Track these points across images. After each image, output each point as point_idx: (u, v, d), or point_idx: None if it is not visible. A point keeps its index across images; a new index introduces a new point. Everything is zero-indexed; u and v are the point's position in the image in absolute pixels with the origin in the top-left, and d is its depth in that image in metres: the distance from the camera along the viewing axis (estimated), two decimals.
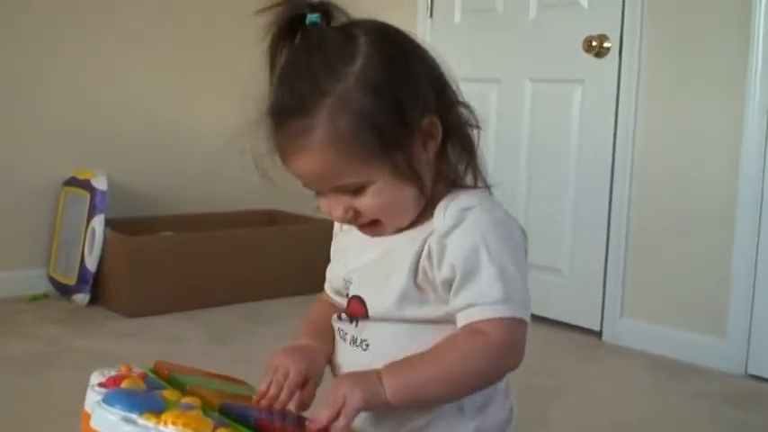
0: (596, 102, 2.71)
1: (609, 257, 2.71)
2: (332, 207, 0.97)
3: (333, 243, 1.12)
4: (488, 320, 0.91)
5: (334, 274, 1.08)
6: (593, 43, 2.64)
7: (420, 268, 0.96)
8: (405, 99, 0.93)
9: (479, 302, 0.92)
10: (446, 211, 0.95)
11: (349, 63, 0.92)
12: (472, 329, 0.92)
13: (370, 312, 0.99)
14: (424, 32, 3.19)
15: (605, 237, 2.71)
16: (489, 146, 3.00)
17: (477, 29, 3.06)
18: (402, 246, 0.98)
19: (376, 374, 0.91)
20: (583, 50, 2.67)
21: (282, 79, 0.94)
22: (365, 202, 0.95)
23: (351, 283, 1.03)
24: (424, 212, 0.98)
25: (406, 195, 0.97)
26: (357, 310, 1.01)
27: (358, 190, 0.94)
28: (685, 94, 2.52)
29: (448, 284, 0.94)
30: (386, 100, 0.92)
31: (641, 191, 2.63)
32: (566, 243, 2.83)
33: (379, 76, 0.92)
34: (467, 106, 0.99)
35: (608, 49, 2.64)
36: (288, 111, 0.92)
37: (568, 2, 2.76)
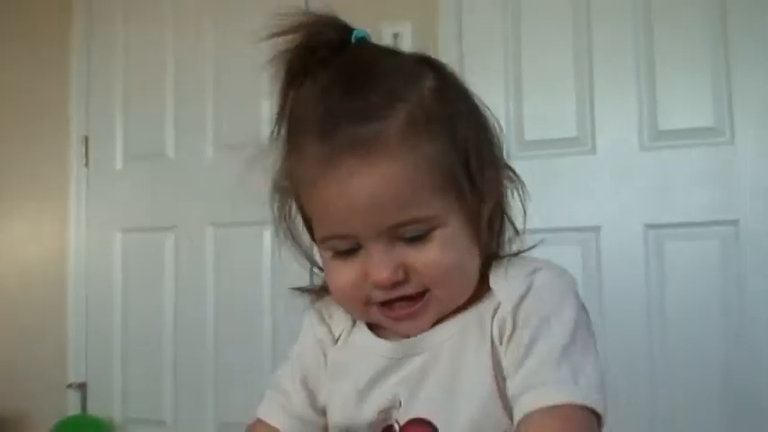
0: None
1: None
2: (377, 263, 0.74)
3: (311, 355, 0.86)
4: (557, 406, 0.69)
5: (348, 403, 0.81)
6: None
7: (495, 361, 0.75)
8: (483, 127, 0.80)
9: (543, 383, 0.71)
10: (510, 278, 0.78)
11: (419, 77, 0.77)
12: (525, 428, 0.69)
13: None
14: (78, 184, 2.86)
15: None
16: (167, 296, 2.71)
17: (143, 175, 2.82)
18: (451, 338, 0.77)
19: None
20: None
21: (338, 87, 0.74)
22: (428, 257, 0.74)
23: (396, 404, 0.78)
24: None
25: (473, 258, 0.78)
26: None
27: (420, 237, 0.74)
28: None
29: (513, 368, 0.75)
30: (468, 123, 0.78)
31: None
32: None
33: (454, 92, 0.79)
34: (512, 170, 0.82)
35: None
36: (352, 115, 0.72)
37: (249, 143, 2.67)
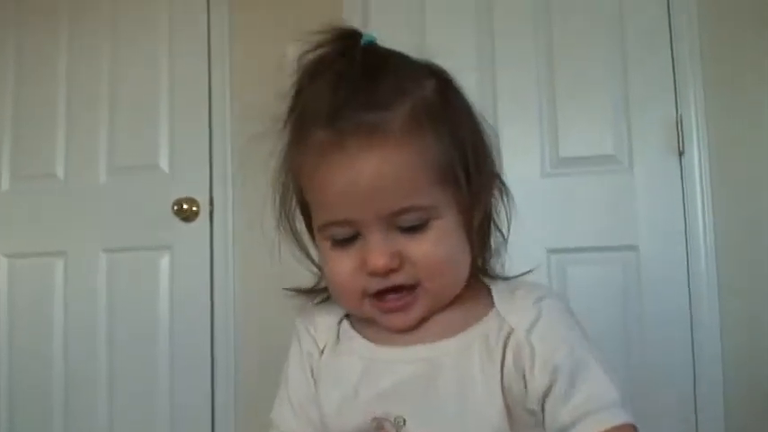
0: (188, 267, 2.52)
1: None
2: (375, 250, 0.75)
3: (298, 370, 0.85)
4: (615, 429, 0.72)
5: (341, 409, 0.79)
6: (184, 206, 2.49)
7: (506, 385, 0.75)
8: (481, 134, 0.82)
9: (601, 407, 0.73)
10: (518, 303, 0.79)
11: (423, 77, 0.80)
12: None
13: None
14: None
15: (210, 412, 2.43)
16: (56, 327, 2.56)
17: (34, 197, 2.66)
18: (451, 355, 0.77)
19: None
20: (169, 215, 2.50)
21: (347, 82, 0.75)
22: (423, 248, 0.76)
23: (402, 420, 0.76)
24: (462, 305, 0.80)
25: (465, 255, 0.80)
26: None
27: (416, 228, 0.76)
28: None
29: (542, 395, 0.75)
30: (468, 128, 0.81)
31: (247, 358, 2.45)
32: (164, 423, 2.46)
33: (455, 97, 0.82)
34: (503, 182, 0.84)
35: (197, 212, 2.51)
36: (359, 104, 0.74)
37: (146, 166, 2.59)
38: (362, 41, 0.81)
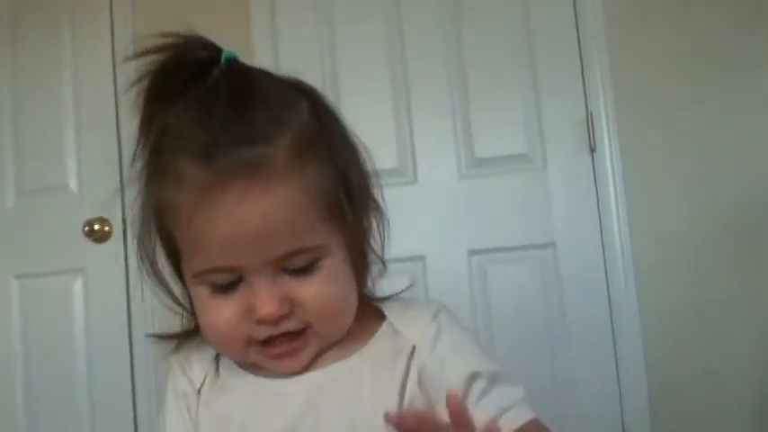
0: (102, 289, 2.44)
1: None
2: (263, 297, 0.70)
3: (174, 412, 0.80)
4: (530, 422, 0.75)
5: None
6: (95, 227, 2.41)
7: (408, 401, 0.74)
8: (355, 152, 0.78)
9: (513, 404, 0.75)
10: (415, 320, 0.77)
11: (296, 100, 0.74)
12: None
13: None
14: None
15: None
16: None
17: None
18: (348, 379, 0.74)
19: None
20: (80, 237, 2.42)
21: (218, 109, 0.69)
22: (313, 290, 0.71)
23: None
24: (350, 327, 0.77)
25: (353, 288, 0.76)
26: None
27: (304, 269, 0.71)
28: None
29: None
30: (346, 150, 0.77)
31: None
32: None
33: (329, 118, 0.77)
34: (375, 201, 0.80)
35: (110, 233, 2.44)
36: (237, 138, 0.68)
37: (54, 187, 2.49)
38: (224, 57, 0.76)
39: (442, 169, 2.28)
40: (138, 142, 0.76)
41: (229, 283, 0.71)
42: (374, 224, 0.80)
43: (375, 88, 2.33)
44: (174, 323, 2.58)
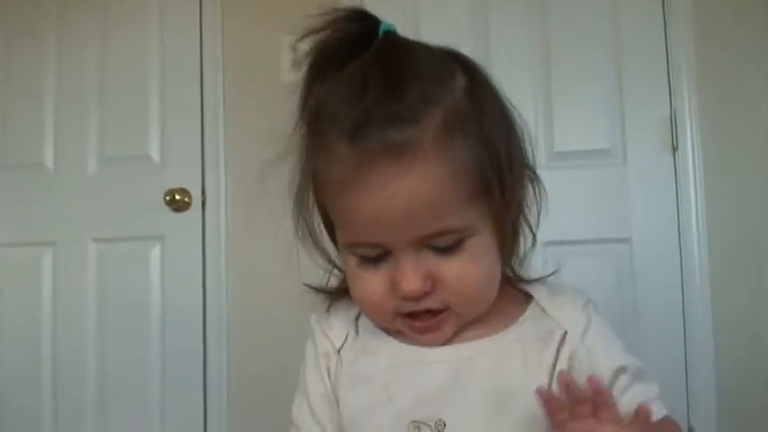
0: (180, 258, 2.49)
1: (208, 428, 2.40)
2: (407, 273, 0.71)
3: (314, 372, 0.82)
4: (666, 417, 0.80)
5: (372, 410, 0.76)
6: (176, 197, 2.47)
7: (554, 385, 0.75)
8: (512, 127, 0.78)
9: (653, 398, 0.78)
10: (567, 307, 0.80)
11: (451, 76, 0.73)
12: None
13: None
14: None
15: (202, 404, 2.41)
16: (44, 319, 2.52)
17: (21, 186, 2.61)
18: (495, 356, 0.76)
19: None
20: (161, 205, 2.47)
21: (372, 86, 0.69)
22: (456, 268, 0.72)
23: (443, 424, 0.74)
24: (496, 306, 0.79)
25: (497, 267, 0.77)
26: None
27: (450, 247, 0.72)
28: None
29: None
30: (499, 123, 0.75)
31: (239, 349, 2.43)
32: (155, 414, 2.44)
33: (485, 92, 0.76)
34: (535, 173, 0.81)
35: (189, 203, 2.49)
36: (386, 118, 0.67)
37: (136, 156, 2.55)
38: (381, 30, 0.77)
39: None
40: (299, 114, 0.78)
41: (377, 256, 0.73)
42: (531, 194, 0.81)
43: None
44: (245, 298, 2.62)
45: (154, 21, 2.59)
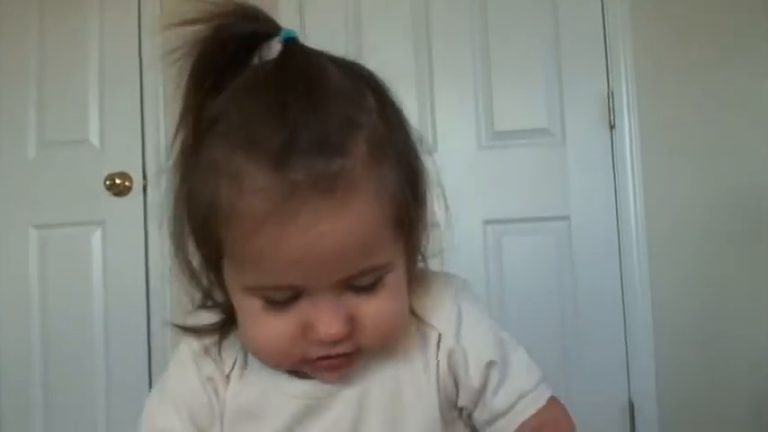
0: (122, 243, 2.47)
1: None
2: (327, 317, 0.64)
3: (193, 399, 0.74)
4: (545, 407, 0.74)
5: None
6: (117, 181, 2.44)
7: (440, 388, 0.73)
8: (417, 147, 0.71)
9: (530, 388, 0.74)
10: (436, 303, 0.74)
11: (363, 96, 0.66)
12: (539, 425, 0.73)
13: None
14: None
15: (147, 389, 2.39)
16: None
17: None
18: (379, 375, 0.72)
19: None
20: (102, 190, 2.44)
21: (288, 105, 0.60)
22: (375, 307, 0.66)
23: None
24: None
25: (407, 300, 0.72)
26: None
27: (370, 286, 0.66)
28: None
29: (478, 392, 0.73)
30: (408, 140, 0.69)
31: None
32: (100, 398, 2.43)
33: (392, 112, 0.69)
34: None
35: (130, 187, 2.46)
36: (313, 145, 0.60)
37: (75, 141, 2.52)
38: (282, 37, 0.67)
39: (463, 140, 2.31)
40: (181, 125, 0.69)
41: (287, 299, 0.65)
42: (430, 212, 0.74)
43: (398, 57, 2.35)
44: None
45: (93, 4, 2.55)
